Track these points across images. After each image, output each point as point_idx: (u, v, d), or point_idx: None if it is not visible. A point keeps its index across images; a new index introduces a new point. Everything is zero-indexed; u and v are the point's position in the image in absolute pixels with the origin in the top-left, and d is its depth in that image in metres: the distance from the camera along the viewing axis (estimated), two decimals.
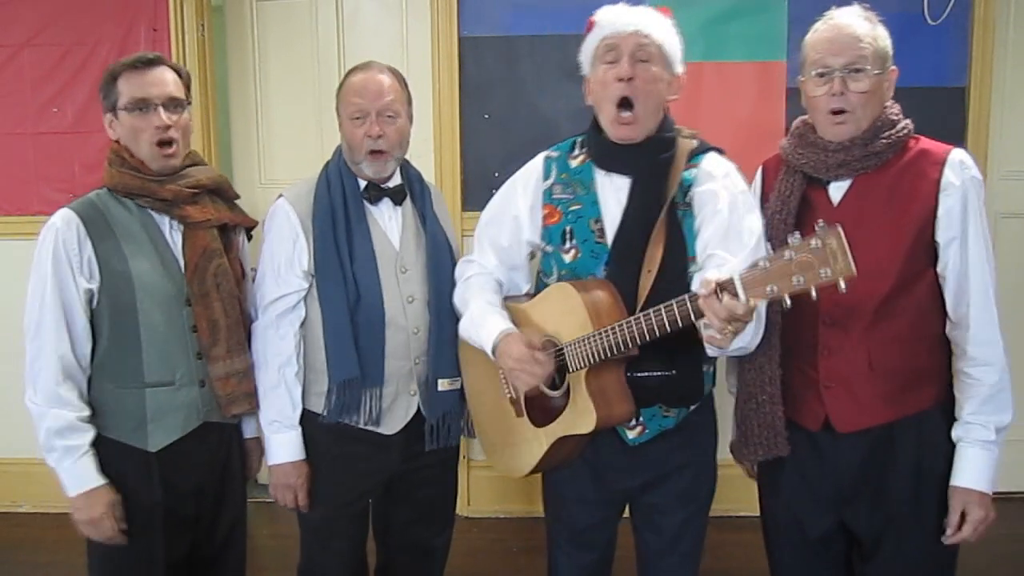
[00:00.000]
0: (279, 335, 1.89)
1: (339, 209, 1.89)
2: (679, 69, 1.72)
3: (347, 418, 1.89)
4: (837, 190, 1.67)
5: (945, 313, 1.64)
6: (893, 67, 1.66)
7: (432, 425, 1.94)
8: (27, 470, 3.28)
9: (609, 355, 1.57)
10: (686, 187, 1.67)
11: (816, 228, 1.25)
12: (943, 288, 1.63)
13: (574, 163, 1.77)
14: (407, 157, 2.04)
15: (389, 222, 1.96)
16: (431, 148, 3.15)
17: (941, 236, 1.61)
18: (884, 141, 1.62)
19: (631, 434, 1.72)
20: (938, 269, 1.63)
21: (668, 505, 1.78)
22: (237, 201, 1.98)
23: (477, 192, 3.13)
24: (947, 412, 1.66)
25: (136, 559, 1.78)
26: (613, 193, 1.71)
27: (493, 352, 1.72)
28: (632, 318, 1.53)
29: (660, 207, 1.64)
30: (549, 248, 1.78)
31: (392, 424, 1.93)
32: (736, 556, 2.91)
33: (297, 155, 3.26)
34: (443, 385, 1.93)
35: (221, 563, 1.93)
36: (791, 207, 1.67)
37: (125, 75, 1.76)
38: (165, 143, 1.76)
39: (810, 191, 1.69)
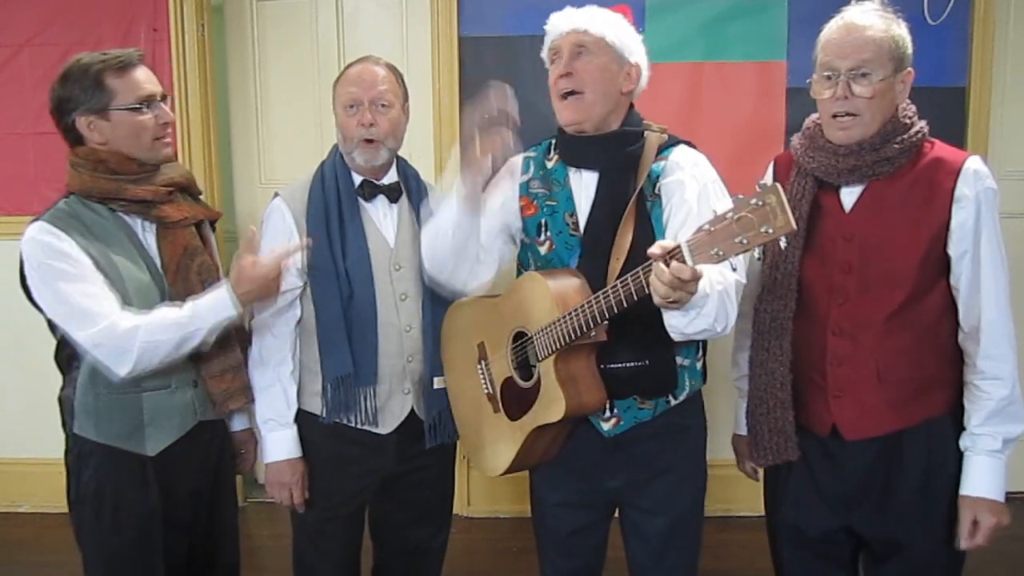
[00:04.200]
0: (274, 333, 1.89)
1: (333, 206, 1.89)
2: (634, 59, 1.70)
3: (344, 417, 1.88)
4: (849, 195, 1.64)
5: (958, 322, 1.63)
6: (909, 69, 1.61)
7: (430, 424, 1.94)
8: (27, 470, 3.28)
9: (574, 338, 1.57)
10: (654, 178, 1.67)
11: (757, 186, 1.28)
12: (956, 299, 1.62)
13: (549, 164, 1.81)
14: (407, 156, 2.05)
15: (384, 219, 1.95)
16: (431, 148, 3.14)
17: (953, 249, 1.59)
18: (896, 146, 1.59)
19: (606, 426, 1.71)
20: (951, 281, 1.61)
21: (653, 512, 1.77)
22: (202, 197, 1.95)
23: None
24: (958, 418, 1.64)
25: (135, 567, 1.76)
26: (584, 188, 1.74)
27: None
28: (594, 296, 1.53)
29: (627, 198, 1.65)
30: (527, 240, 1.81)
31: (386, 423, 1.92)
32: (736, 556, 2.91)
33: (297, 155, 3.26)
34: (439, 383, 1.93)
35: (217, 562, 1.93)
36: (802, 211, 1.65)
37: (115, 74, 1.70)
38: (167, 136, 1.75)
39: (822, 195, 1.66)
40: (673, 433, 1.74)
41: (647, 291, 1.44)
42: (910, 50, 1.61)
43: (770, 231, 1.25)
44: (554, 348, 1.61)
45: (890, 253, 1.60)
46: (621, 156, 1.69)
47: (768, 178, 1.82)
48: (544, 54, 1.79)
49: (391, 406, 1.92)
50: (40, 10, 3.12)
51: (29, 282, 1.67)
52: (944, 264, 1.61)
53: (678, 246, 1.35)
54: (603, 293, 1.51)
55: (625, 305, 1.49)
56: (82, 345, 1.65)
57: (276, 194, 1.96)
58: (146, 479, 1.74)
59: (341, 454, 1.93)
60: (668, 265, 1.35)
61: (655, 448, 1.73)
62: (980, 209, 1.57)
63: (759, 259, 1.75)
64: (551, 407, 1.64)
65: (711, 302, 1.49)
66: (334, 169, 1.93)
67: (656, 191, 1.67)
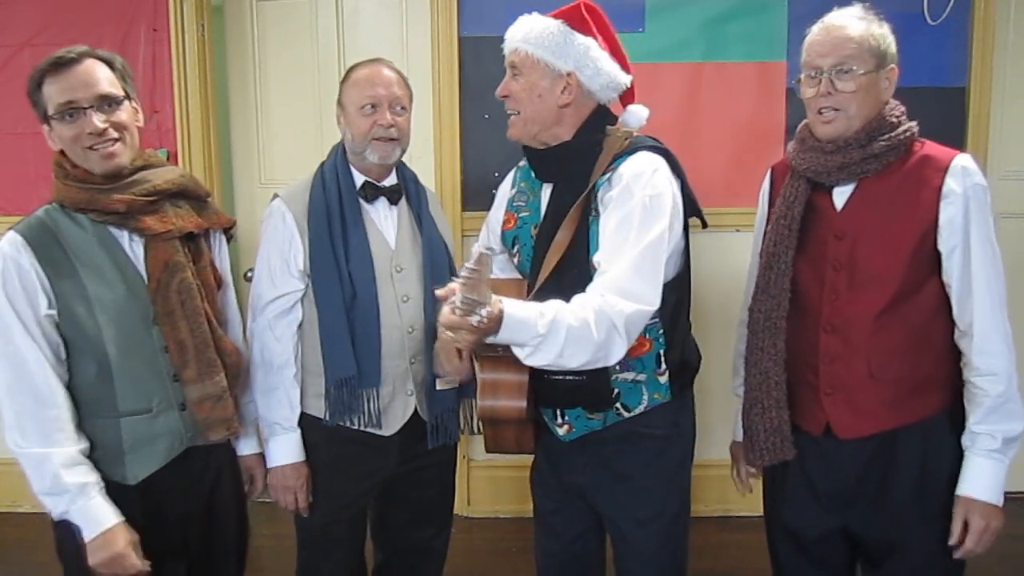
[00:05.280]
0: (275, 337, 1.88)
1: (334, 208, 1.88)
2: (568, 67, 1.66)
3: (347, 419, 1.88)
4: (840, 195, 1.66)
5: (953, 321, 1.63)
6: (892, 66, 1.64)
7: (432, 425, 1.94)
8: None
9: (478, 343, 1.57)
10: (597, 192, 1.64)
11: (481, 252, 1.33)
12: (949, 296, 1.62)
13: (534, 173, 1.81)
14: (408, 157, 2.05)
15: (384, 221, 1.96)
16: (431, 148, 3.14)
17: (943, 245, 1.59)
18: (883, 143, 1.61)
19: (560, 431, 1.75)
20: (943, 278, 1.62)
21: (614, 517, 1.79)
22: (211, 200, 1.82)
23: (477, 192, 3.13)
24: (954, 418, 1.64)
25: None
26: (546, 200, 1.75)
27: None
28: None
29: (569, 211, 1.64)
30: (507, 251, 1.86)
31: (390, 425, 1.92)
32: (736, 556, 2.92)
33: (297, 155, 3.26)
34: (441, 384, 1.93)
35: None
36: (795, 213, 1.67)
37: (50, 77, 1.58)
38: (102, 144, 1.59)
39: (815, 196, 1.68)
40: (634, 440, 1.73)
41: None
42: (893, 49, 1.64)
43: (475, 297, 1.33)
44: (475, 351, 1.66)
45: (878, 249, 1.61)
46: (569, 168, 1.69)
47: (765, 188, 1.84)
48: None
49: (394, 408, 1.92)
50: (40, 10, 3.12)
51: None
52: (935, 261, 1.61)
53: (454, 287, 1.36)
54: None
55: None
56: None
57: (275, 195, 1.95)
58: (128, 505, 1.62)
59: (344, 456, 1.93)
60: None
61: (614, 451, 1.74)
62: (969, 205, 1.58)
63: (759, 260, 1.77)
64: (477, 405, 1.69)
65: (550, 340, 1.45)
66: (335, 170, 1.93)
67: (598, 205, 1.64)
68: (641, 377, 1.70)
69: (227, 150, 3.40)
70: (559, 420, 1.74)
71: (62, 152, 1.64)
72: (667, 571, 1.80)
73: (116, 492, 1.62)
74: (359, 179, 1.94)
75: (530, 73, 1.67)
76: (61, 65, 1.59)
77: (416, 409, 1.94)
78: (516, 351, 1.49)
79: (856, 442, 1.65)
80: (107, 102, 1.60)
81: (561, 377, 1.64)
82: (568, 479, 1.81)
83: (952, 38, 3.01)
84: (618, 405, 1.70)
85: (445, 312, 1.39)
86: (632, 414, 1.71)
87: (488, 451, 1.82)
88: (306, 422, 1.92)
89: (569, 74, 1.67)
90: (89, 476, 1.58)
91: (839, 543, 1.75)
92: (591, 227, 1.63)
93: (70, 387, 1.61)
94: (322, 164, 1.97)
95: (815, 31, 1.66)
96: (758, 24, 3.03)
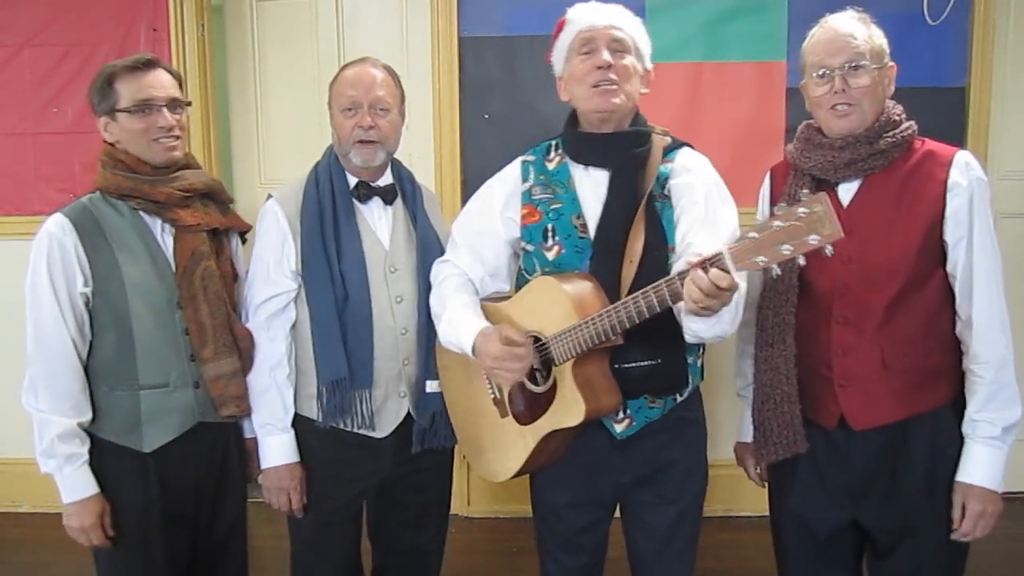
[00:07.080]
0: (269, 337, 1.88)
1: (327, 208, 1.88)
2: (649, 64, 1.77)
3: (339, 421, 1.87)
4: (846, 192, 1.69)
5: (956, 312, 1.66)
6: (891, 63, 1.68)
7: (422, 427, 1.92)
8: (27, 470, 3.24)
9: (595, 344, 1.58)
10: (663, 180, 1.70)
11: (801, 196, 1.30)
12: (953, 287, 1.65)
13: (551, 165, 1.79)
14: (408, 157, 2.04)
15: (379, 221, 1.94)
16: (431, 148, 3.15)
17: (949, 236, 1.63)
18: (889, 140, 1.64)
19: (619, 428, 1.72)
20: (948, 268, 1.65)
21: (657, 504, 1.78)
22: (233, 205, 1.99)
23: None
24: (961, 409, 1.66)
25: (136, 557, 1.80)
26: (592, 188, 1.73)
27: (473, 352, 1.72)
28: (619, 303, 1.55)
29: (639, 199, 1.67)
30: (530, 247, 1.78)
31: (383, 427, 1.91)
32: (736, 556, 2.91)
33: (297, 155, 3.23)
34: (431, 387, 1.91)
35: (222, 564, 1.93)
36: None
37: (123, 77, 1.78)
38: (167, 139, 1.80)
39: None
40: (679, 427, 1.77)
41: (671, 302, 1.47)
42: (887, 47, 1.68)
43: (817, 240, 1.28)
44: (573, 353, 1.61)
45: (888, 242, 1.63)
46: (632, 155, 1.71)
47: (766, 189, 1.86)
48: (566, 44, 1.75)
49: (387, 409, 1.91)
50: (40, 10, 3.13)
51: (30, 270, 1.73)
52: (941, 252, 1.64)
53: (719, 254, 1.36)
54: (632, 299, 1.52)
55: (647, 315, 1.51)
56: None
57: (270, 195, 1.95)
58: (146, 471, 1.78)
59: (338, 458, 1.92)
60: (707, 272, 1.36)
61: (662, 442, 1.75)
62: (973, 197, 1.62)
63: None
64: (570, 411, 1.64)
65: (734, 305, 1.51)
66: (328, 171, 1.92)
67: (665, 192, 1.70)
68: (691, 360, 1.74)
69: (227, 150, 3.40)
70: (619, 415, 1.71)
71: (112, 144, 1.81)
72: (693, 558, 1.84)
73: (132, 458, 1.78)
74: (352, 180, 1.93)
75: (632, 56, 1.72)
76: (141, 66, 1.79)
77: (409, 411, 1.92)
78: (697, 323, 1.53)
79: (868, 434, 1.67)
80: (176, 105, 1.82)
81: (634, 364, 1.66)
82: (604, 488, 1.79)
83: (952, 38, 3.01)
84: None
85: (719, 275, 1.34)
86: (683, 398, 1.75)
87: (510, 478, 1.80)
88: (300, 423, 1.91)
89: (649, 71, 1.77)
90: (79, 448, 1.74)
91: (848, 535, 1.76)
92: (661, 215, 1.68)
93: (95, 360, 1.77)
94: (316, 164, 1.96)
95: (819, 33, 1.69)
96: (758, 24, 3.03)
